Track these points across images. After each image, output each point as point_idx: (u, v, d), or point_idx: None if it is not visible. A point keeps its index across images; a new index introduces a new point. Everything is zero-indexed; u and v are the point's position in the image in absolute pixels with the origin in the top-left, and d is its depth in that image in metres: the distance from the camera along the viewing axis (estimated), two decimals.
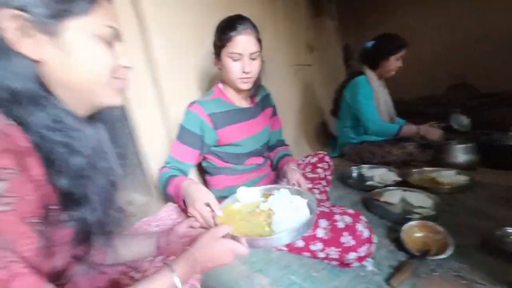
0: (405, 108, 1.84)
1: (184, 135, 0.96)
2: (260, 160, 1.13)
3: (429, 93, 2.26)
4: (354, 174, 1.50)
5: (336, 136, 1.87)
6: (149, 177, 1.28)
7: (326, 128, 2.12)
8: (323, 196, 1.14)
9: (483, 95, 1.94)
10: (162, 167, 0.95)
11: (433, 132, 1.53)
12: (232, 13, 0.96)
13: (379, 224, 1.04)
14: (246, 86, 0.95)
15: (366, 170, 1.50)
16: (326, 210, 0.87)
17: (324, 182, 1.18)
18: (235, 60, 0.90)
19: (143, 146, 1.23)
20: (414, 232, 0.91)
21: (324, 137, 2.10)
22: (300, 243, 0.85)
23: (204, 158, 1.08)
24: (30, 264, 0.31)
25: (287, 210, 0.67)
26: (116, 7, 0.45)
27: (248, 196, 0.78)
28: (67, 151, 0.35)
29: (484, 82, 2.01)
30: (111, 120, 0.50)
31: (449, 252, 0.80)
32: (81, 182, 0.37)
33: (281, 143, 1.26)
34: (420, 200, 1.14)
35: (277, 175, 1.15)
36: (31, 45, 0.35)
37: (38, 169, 0.33)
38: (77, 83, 0.40)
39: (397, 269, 0.79)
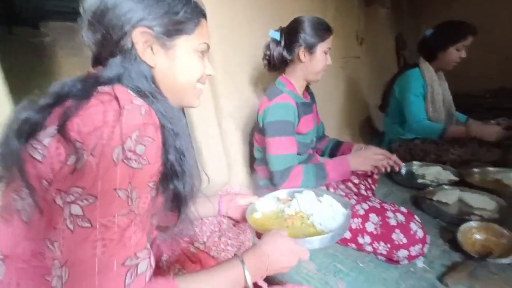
0: (473, 103, 1.66)
1: (286, 127, 0.95)
2: (311, 151, 1.17)
3: (500, 85, 2.00)
4: (403, 171, 1.44)
5: (382, 132, 1.79)
6: (202, 163, 1.41)
7: (371, 123, 2.04)
8: (369, 193, 1.14)
9: None
10: (288, 169, 0.92)
11: (488, 131, 1.31)
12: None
13: (431, 223, 1.00)
14: (321, 78, 1.04)
15: (417, 167, 1.43)
16: (377, 206, 0.88)
17: (370, 180, 1.18)
18: (326, 54, 0.99)
19: (198, 135, 1.36)
20: (473, 234, 0.86)
21: (369, 133, 2.03)
22: (347, 235, 0.87)
23: (263, 146, 1.04)
24: (143, 220, 0.38)
25: (323, 209, 0.70)
26: None
27: (267, 205, 0.79)
28: (173, 134, 0.43)
29: None
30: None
31: None
32: (181, 159, 0.44)
33: (326, 136, 1.30)
34: (481, 201, 1.05)
35: (338, 154, 1.22)
36: (151, 55, 0.46)
37: (161, 144, 0.41)
38: (177, 86, 0.50)
39: (452, 268, 0.76)
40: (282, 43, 1.01)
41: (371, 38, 2.18)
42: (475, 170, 1.28)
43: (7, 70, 0.71)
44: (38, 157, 0.36)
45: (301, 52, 0.98)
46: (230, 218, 0.81)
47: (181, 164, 0.44)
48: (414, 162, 1.46)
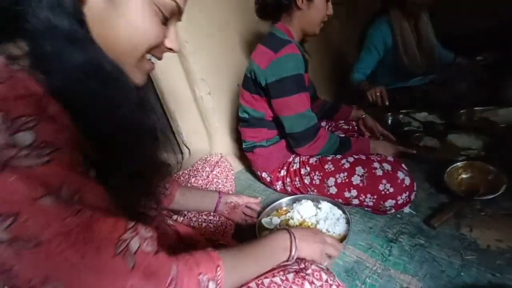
0: (461, 43, 1.56)
1: (301, 81, 0.83)
2: None
3: (490, 24, 1.88)
4: (389, 121, 1.40)
5: None
6: (179, 136, 1.33)
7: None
8: None
9: None
10: (313, 128, 0.86)
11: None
12: None
13: (418, 169, 0.98)
14: (319, 32, 0.91)
15: (403, 116, 1.38)
16: (363, 157, 0.84)
17: (356, 134, 1.14)
18: (327, 2, 0.87)
19: (170, 106, 1.25)
20: (459, 174, 0.85)
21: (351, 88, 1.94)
22: (333, 190, 0.84)
23: (253, 107, 0.95)
24: (101, 208, 0.30)
25: (325, 215, 0.76)
26: None
27: (272, 220, 0.82)
28: (104, 101, 0.32)
29: None
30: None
31: (501, 190, 0.73)
32: (121, 134, 0.34)
33: (318, 97, 1.22)
34: (467, 142, 1.03)
35: (336, 119, 1.21)
36: None
37: (62, 115, 0.29)
38: (112, 43, 0.33)
39: (438, 210, 0.75)
40: None
41: None
42: (462, 111, 1.24)
43: None
44: None
45: None
46: (226, 217, 0.80)
47: (122, 133, 0.34)
48: (401, 110, 1.41)
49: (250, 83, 0.91)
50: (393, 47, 1.42)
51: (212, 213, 0.78)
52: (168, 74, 1.23)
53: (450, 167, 0.85)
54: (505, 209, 0.71)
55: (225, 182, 0.93)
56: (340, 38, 1.98)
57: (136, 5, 0.32)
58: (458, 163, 0.86)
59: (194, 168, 0.96)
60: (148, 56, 0.38)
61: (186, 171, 0.95)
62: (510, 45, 1.42)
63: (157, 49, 0.38)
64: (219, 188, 0.88)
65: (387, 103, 1.27)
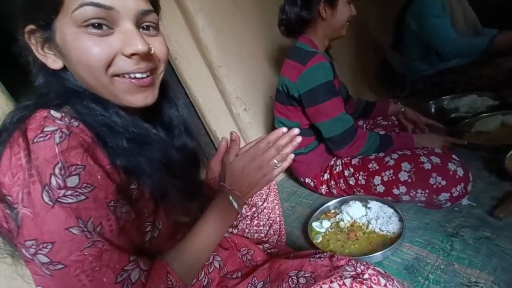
0: (498, 16, 1.43)
1: (331, 87, 0.87)
2: None
3: None
4: (433, 109, 1.32)
5: (402, 74, 1.64)
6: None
7: (388, 67, 1.87)
8: None
9: None
10: (351, 129, 0.87)
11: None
12: None
13: (473, 157, 0.92)
14: (344, 34, 0.95)
15: (448, 101, 1.30)
16: (408, 153, 0.83)
17: (397, 129, 1.11)
18: (350, 4, 0.90)
19: (211, 125, 1.37)
20: None
21: (387, 77, 1.87)
22: (380, 188, 0.84)
23: (288, 118, 0.99)
24: (113, 242, 0.35)
25: (376, 214, 0.79)
26: None
27: (322, 224, 0.86)
28: (116, 134, 0.38)
29: None
30: (176, 105, 0.53)
31: None
32: (136, 158, 0.39)
33: (350, 97, 1.22)
34: None
35: (373, 117, 1.19)
36: (50, 58, 0.38)
37: (104, 158, 0.36)
38: (88, 80, 0.37)
39: (503, 199, 0.71)
40: (299, 2, 0.90)
41: None
42: None
43: None
44: None
45: (321, 7, 0.87)
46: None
47: (140, 159, 0.40)
48: (444, 97, 1.33)
49: (283, 96, 0.97)
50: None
51: (262, 222, 0.83)
52: (206, 97, 1.35)
53: (510, 152, 0.79)
54: None
55: (269, 192, 0.97)
56: (372, 32, 1.94)
57: (68, 40, 0.35)
58: None
59: None
60: (111, 70, 0.37)
61: None
62: None
63: (121, 62, 0.37)
64: (263, 199, 0.92)
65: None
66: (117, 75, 0.38)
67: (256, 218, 0.81)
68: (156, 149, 0.43)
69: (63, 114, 0.35)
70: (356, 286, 0.42)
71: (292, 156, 0.50)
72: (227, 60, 1.25)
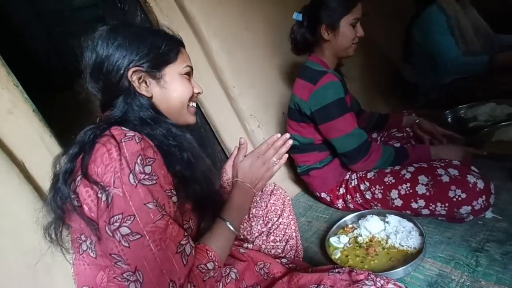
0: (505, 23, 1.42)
1: (343, 104, 0.89)
2: None
3: None
4: (450, 119, 1.30)
5: (415, 84, 1.63)
6: None
7: (401, 78, 1.87)
8: None
9: None
10: (365, 144, 0.88)
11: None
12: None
13: (496, 167, 0.90)
14: (354, 52, 0.95)
15: (465, 110, 1.27)
16: (424, 165, 0.82)
17: (413, 141, 1.10)
18: (354, 26, 0.90)
19: (226, 142, 1.42)
20: None
21: (400, 88, 1.86)
22: (398, 202, 0.83)
23: (301, 134, 1.01)
24: (174, 218, 0.46)
25: (395, 228, 0.79)
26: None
27: (340, 239, 0.86)
28: (176, 148, 0.52)
29: None
30: (196, 129, 0.66)
31: None
32: (189, 167, 0.52)
33: (363, 110, 1.23)
34: None
35: (387, 129, 1.19)
36: (146, 88, 0.54)
37: (162, 160, 0.48)
38: (173, 107, 0.57)
39: None
40: (305, 23, 0.94)
41: None
42: None
43: (56, 128, 0.86)
44: (78, 203, 0.46)
45: (323, 30, 0.90)
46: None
47: (190, 170, 0.52)
48: (460, 106, 1.30)
49: (295, 113, 1.00)
50: (447, 32, 1.34)
51: (278, 238, 0.84)
52: (221, 115, 1.41)
53: None
54: None
55: (284, 208, 0.97)
56: (382, 45, 1.96)
57: (175, 81, 0.56)
58: None
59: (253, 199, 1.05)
60: (190, 103, 0.59)
61: None
62: None
63: (191, 97, 0.59)
64: (278, 214, 0.92)
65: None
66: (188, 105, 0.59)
67: (272, 234, 0.82)
68: (201, 161, 0.57)
69: (130, 129, 0.49)
70: None
71: (286, 156, 0.63)
72: (240, 80, 1.32)
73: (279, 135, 0.63)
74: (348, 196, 0.97)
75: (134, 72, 0.52)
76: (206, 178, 0.58)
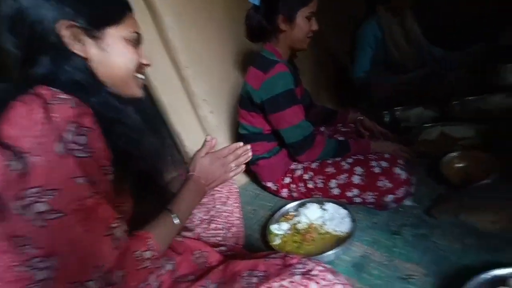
0: (450, 34, 1.63)
1: (292, 96, 0.90)
2: None
3: (478, 11, 1.92)
4: (387, 119, 1.44)
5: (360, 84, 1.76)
6: (186, 156, 1.40)
7: (348, 76, 2.00)
8: None
9: None
10: (310, 136, 0.91)
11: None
12: None
13: (420, 163, 1.01)
14: (307, 45, 0.96)
15: (400, 112, 1.42)
16: (361, 157, 0.89)
17: (355, 136, 1.19)
18: (309, 20, 0.91)
19: (175, 127, 1.33)
20: (454, 164, 0.88)
21: (347, 86, 1.99)
22: (336, 191, 0.88)
23: (251, 124, 1.01)
24: (106, 199, 0.41)
25: (331, 215, 0.83)
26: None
27: (280, 226, 0.88)
28: (117, 121, 0.46)
29: None
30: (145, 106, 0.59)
31: (493, 177, 0.77)
32: (131, 143, 0.48)
33: (314, 104, 1.27)
34: (462, 132, 1.07)
35: (334, 124, 1.26)
36: (81, 47, 0.46)
37: (101, 132, 0.43)
38: (114, 75, 0.50)
39: (438, 200, 0.79)
40: (262, 10, 0.91)
41: None
42: (455, 102, 1.28)
43: None
44: None
45: (280, 20, 0.89)
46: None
47: (133, 147, 0.48)
48: (396, 108, 1.45)
49: (246, 102, 0.99)
50: (384, 44, 1.50)
51: (220, 226, 0.82)
52: (170, 96, 1.32)
53: (445, 158, 0.89)
54: (499, 193, 0.74)
55: (229, 196, 0.96)
56: (335, 43, 2.06)
57: (117, 45, 0.49)
58: (453, 153, 0.90)
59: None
60: (137, 75, 0.53)
61: None
62: (495, 35, 1.47)
63: (139, 68, 0.53)
64: (223, 202, 0.87)
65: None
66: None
67: (214, 221, 0.80)
68: (146, 139, 0.51)
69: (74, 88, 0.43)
70: (304, 282, 0.45)
71: (244, 166, 0.65)
72: (194, 62, 1.24)
73: (241, 144, 0.64)
74: (293, 186, 1.01)
75: (66, 27, 0.44)
76: (150, 158, 0.53)
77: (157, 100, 1.29)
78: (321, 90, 1.93)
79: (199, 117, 1.32)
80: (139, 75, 0.54)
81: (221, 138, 1.34)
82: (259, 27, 0.93)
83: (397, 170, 0.79)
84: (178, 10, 1.17)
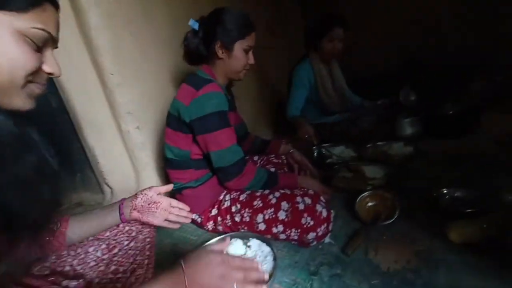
0: (367, 87, 1.94)
1: (224, 117, 0.86)
2: None
3: (386, 70, 2.37)
4: (315, 153, 1.55)
5: None
6: (100, 174, 1.19)
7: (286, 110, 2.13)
8: None
9: (429, 71, 2.11)
10: (240, 161, 0.89)
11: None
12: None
13: (338, 197, 1.09)
14: (243, 77, 0.97)
15: (326, 149, 1.56)
16: (288, 192, 0.89)
17: (286, 168, 1.23)
18: (247, 53, 0.92)
19: (89, 140, 1.13)
20: (367, 202, 0.98)
21: (283, 119, 2.12)
22: (262, 226, 0.86)
23: (178, 145, 0.93)
24: None
25: (254, 253, 0.78)
26: None
27: None
28: None
29: (429, 59, 2.18)
30: (40, 115, 0.46)
31: (396, 215, 0.87)
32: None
33: (249, 133, 1.27)
34: (374, 172, 1.22)
35: (266, 154, 1.27)
36: None
37: None
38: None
39: (351, 237, 0.84)
40: (200, 34, 0.91)
41: (282, 28, 2.26)
42: (368, 145, 1.48)
43: None
44: None
45: (218, 47, 0.89)
46: (137, 220, 0.71)
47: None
48: (323, 144, 1.59)
49: (174, 120, 0.92)
50: (315, 86, 1.66)
51: (122, 268, 0.66)
52: (90, 107, 1.13)
53: (360, 196, 0.98)
54: (400, 232, 0.84)
55: (141, 229, 0.81)
56: (275, 76, 2.19)
57: (5, 39, 0.36)
58: (366, 193, 1.00)
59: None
60: (34, 83, 0.41)
61: None
62: (398, 91, 1.82)
63: (36, 75, 0.41)
64: (131, 237, 0.74)
65: (315, 143, 1.50)
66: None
67: (116, 262, 0.66)
68: (23, 163, 0.40)
69: None
70: None
71: None
72: (123, 69, 1.10)
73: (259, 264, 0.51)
74: (219, 218, 0.94)
75: None
76: (26, 189, 0.41)
77: (70, 107, 1.08)
78: (259, 121, 1.99)
79: (121, 131, 1.15)
80: (37, 85, 0.42)
81: (146, 157, 1.19)
82: (197, 51, 0.92)
83: (319, 208, 0.82)
84: (109, 9, 1.04)
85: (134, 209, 0.69)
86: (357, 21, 2.16)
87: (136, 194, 0.70)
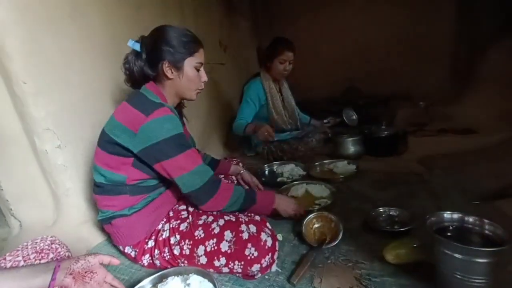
0: (313, 107, 2.07)
1: (183, 140, 0.81)
2: None
3: (331, 94, 2.59)
4: (266, 172, 1.54)
5: (247, 136, 1.88)
6: (3, 203, 0.96)
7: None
8: None
9: (367, 96, 2.36)
10: (210, 181, 0.83)
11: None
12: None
13: (286, 220, 1.07)
14: (196, 96, 0.93)
15: (277, 166, 1.57)
16: (233, 219, 0.83)
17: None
18: (198, 70, 0.88)
19: None
20: (313, 224, 0.98)
21: (237, 137, 2.10)
22: (203, 260, 0.77)
23: (112, 169, 0.82)
24: None
25: None
26: None
27: None
28: None
29: (367, 86, 2.44)
30: None
31: (339, 237, 0.88)
32: None
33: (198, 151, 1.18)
34: (321, 191, 1.25)
35: (216, 174, 1.16)
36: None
37: None
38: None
39: (298, 264, 0.81)
40: (144, 56, 0.83)
41: (235, 46, 2.28)
42: (316, 163, 1.53)
43: None
44: None
45: (166, 67, 0.82)
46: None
47: None
48: (274, 162, 1.60)
49: (110, 143, 0.79)
50: (266, 103, 1.70)
51: None
52: None
53: (306, 219, 0.98)
54: (343, 254, 0.85)
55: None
56: (227, 94, 2.16)
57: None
58: (312, 214, 1.00)
59: (18, 252, 0.68)
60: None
61: (9, 255, 0.65)
62: (340, 112, 1.98)
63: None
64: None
65: (275, 139, 1.54)
66: None
67: None
68: None
69: None
70: None
71: None
72: (41, 77, 0.93)
73: None
74: (156, 251, 0.82)
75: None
76: None
77: None
78: (211, 133, 1.92)
79: (36, 151, 0.96)
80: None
81: (69, 181, 1.01)
82: (142, 74, 0.84)
83: (264, 236, 0.77)
84: (26, 2, 0.87)
85: (70, 274, 0.56)
86: (309, 47, 2.34)
87: (78, 257, 0.59)
